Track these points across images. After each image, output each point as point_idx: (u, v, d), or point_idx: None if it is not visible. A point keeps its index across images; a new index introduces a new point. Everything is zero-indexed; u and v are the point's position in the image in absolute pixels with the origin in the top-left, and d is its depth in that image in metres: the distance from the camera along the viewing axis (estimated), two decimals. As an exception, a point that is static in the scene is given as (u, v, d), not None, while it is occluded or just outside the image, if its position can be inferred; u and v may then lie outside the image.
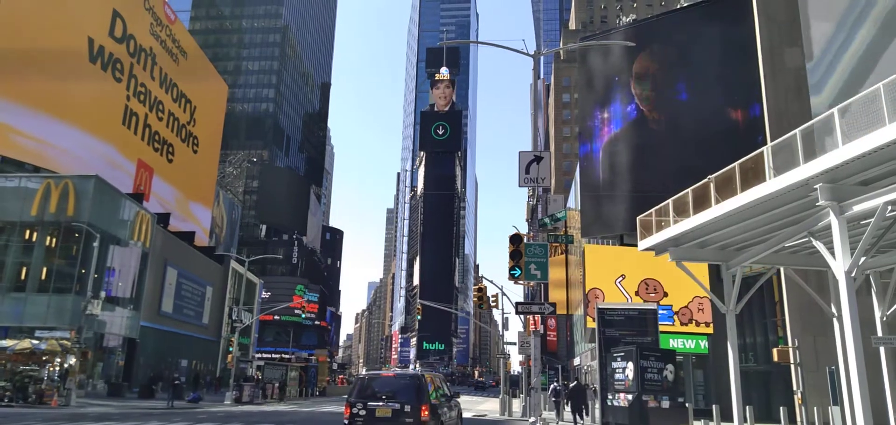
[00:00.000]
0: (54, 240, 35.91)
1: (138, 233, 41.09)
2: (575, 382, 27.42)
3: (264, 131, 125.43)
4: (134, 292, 40.93)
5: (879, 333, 20.06)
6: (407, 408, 13.01)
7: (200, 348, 53.04)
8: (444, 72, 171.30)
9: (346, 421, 13.17)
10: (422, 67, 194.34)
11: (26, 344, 28.78)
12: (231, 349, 41.19)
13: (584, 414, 20.44)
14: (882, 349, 19.73)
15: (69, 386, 28.37)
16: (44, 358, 28.66)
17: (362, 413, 13.19)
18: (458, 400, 17.66)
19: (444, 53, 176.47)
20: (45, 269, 35.50)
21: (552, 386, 25.93)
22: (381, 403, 13.22)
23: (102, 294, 35.91)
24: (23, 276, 35.33)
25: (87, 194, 35.73)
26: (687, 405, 27.27)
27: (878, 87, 12.87)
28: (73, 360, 29.49)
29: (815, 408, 26.93)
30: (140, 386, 36.88)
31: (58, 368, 28.40)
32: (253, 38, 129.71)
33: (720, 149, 38.96)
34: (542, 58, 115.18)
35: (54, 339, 29.62)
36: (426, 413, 13.02)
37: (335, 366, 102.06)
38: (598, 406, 36.79)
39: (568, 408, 22.94)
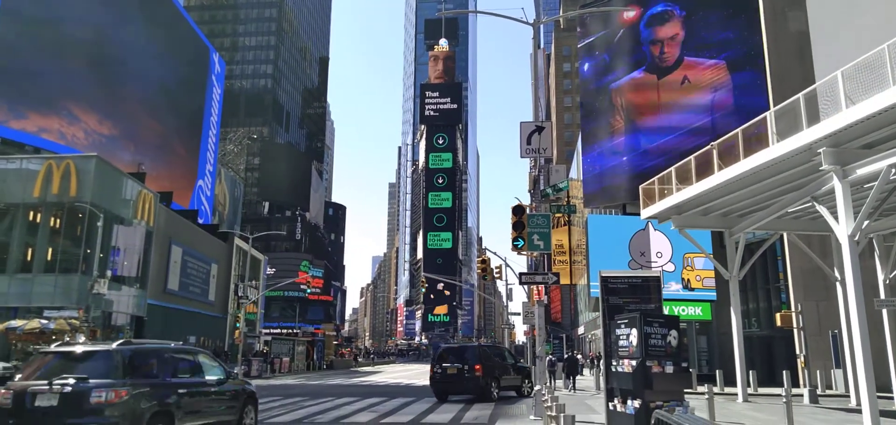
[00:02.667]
0: (58, 220, 36.04)
1: (142, 212, 41.20)
2: (569, 354, 33.89)
3: (264, 108, 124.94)
4: (140, 271, 41.17)
5: (882, 296, 20.17)
6: (466, 367, 19.74)
7: (208, 325, 53.49)
8: (442, 43, 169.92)
9: (431, 378, 20.88)
10: (421, 39, 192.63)
11: (35, 323, 29.01)
12: (238, 325, 41.51)
13: (575, 381, 26.71)
14: (884, 312, 19.87)
15: (79, 364, 28.70)
16: (54, 337, 28.92)
17: (439, 371, 20.41)
18: (527, 367, 23.57)
19: (442, 25, 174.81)
20: (50, 250, 35.67)
21: (548, 358, 26.88)
22: (449, 364, 20.33)
23: (108, 273, 36.10)
24: (29, 257, 35.55)
25: (89, 174, 35.76)
26: (690, 370, 27.57)
27: (883, 48, 12.77)
28: (82, 339, 29.76)
29: (817, 372, 27.21)
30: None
31: (67, 347, 28.70)
32: (249, 13, 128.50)
33: (722, 115, 38.91)
34: (542, 27, 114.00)
35: (63, 318, 29.86)
36: (480, 369, 19.54)
37: (341, 340, 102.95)
38: (590, 372, 37.59)
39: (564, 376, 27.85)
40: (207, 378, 10.99)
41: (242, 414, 11.48)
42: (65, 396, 8.89)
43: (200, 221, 60.84)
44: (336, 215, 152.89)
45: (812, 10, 30.17)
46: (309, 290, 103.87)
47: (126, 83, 56.69)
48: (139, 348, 10.24)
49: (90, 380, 9.06)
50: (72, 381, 9.02)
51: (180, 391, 10.09)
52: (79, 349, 10.04)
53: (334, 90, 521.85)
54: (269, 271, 77.60)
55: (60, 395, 8.88)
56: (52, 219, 36.07)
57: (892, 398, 19.68)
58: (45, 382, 9.01)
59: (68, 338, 28.96)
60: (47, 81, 46.67)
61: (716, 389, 23.72)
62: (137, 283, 40.95)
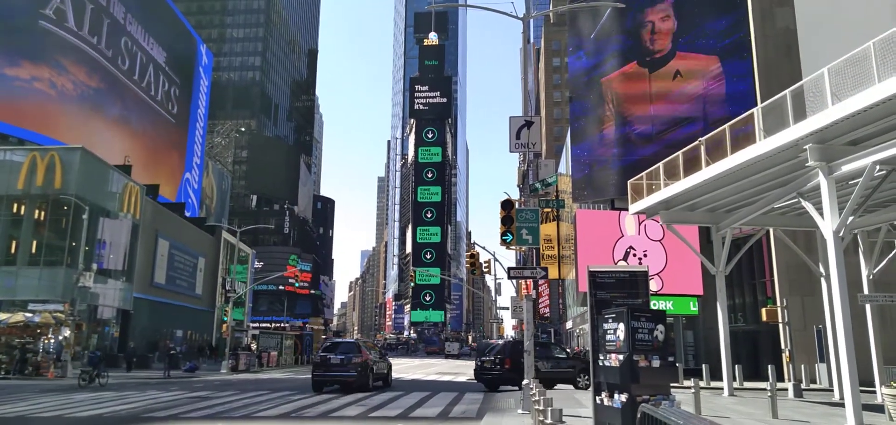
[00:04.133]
0: (43, 213, 35.67)
1: (128, 205, 40.85)
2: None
3: (251, 100, 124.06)
4: (126, 264, 40.84)
5: (866, 291, 20.39)
6: (498, 359, 23.52)
7: (195, 318, 53.20)
8: (432, 36, 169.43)
9: (475, 370, 24.63)
10: (410, 33, 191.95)
11: (20, 317, 28.76)
12: (225, 318, 41.28)
13: None
14: (868, 307, 20.10)
15: (65, 358, 28.44)
16: (38, 331, 28.68)
17: (479, 364, 24.28)
18: (572, 359, 25.19)
19: (432, 18, 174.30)
20: (35, 242, 35.33)
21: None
22: (486, 358, 24.18)
23: (94, 266, 35.80)
24: (13, 250, 35.16)
25: (74, 166, 35.41)
26: (677, 364, 27.77)
27: (869, 45, 12.88)
28: (67, 332, 29.50)
29: (802, 366, 27.53)
30: (136, 356, 36.99)
31: (53, 340, 28.42)
32: (237, 4, 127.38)
33: (712, 110, 39.13)
34: (531, 21, 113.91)
35: (48, 312, 29.60)
36: (509, 363, 22.95)
37: (330, 334, 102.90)
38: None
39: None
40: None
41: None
42: (343, 359, 21.65)
43: (187, 214, 60.45)
44: (325, 209, 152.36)
45: (799, 7, 30.39)
46: (297, 284, 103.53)
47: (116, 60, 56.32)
48: (361, 341, 24.98)
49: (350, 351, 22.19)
50: (344, 351, 22.22)
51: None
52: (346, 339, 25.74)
53: (323, 83, 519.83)
54: (258, 265, 77.21)
55: (341, 357, 21.73)
56: (37, 211, 35.70)
57: (874, 392, 19.94)
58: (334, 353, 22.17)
59: (53, 332, 28.77)
60: (40, 38, 47.79)
61: (702, 383, 23.93)
62: (124, 277, 40.63)
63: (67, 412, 15.12)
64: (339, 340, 25.83)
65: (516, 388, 21.20)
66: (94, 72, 53.01)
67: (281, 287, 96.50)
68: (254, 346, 44.44)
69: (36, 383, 24.78)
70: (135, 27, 59.16)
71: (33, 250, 35.22)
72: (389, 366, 25.56)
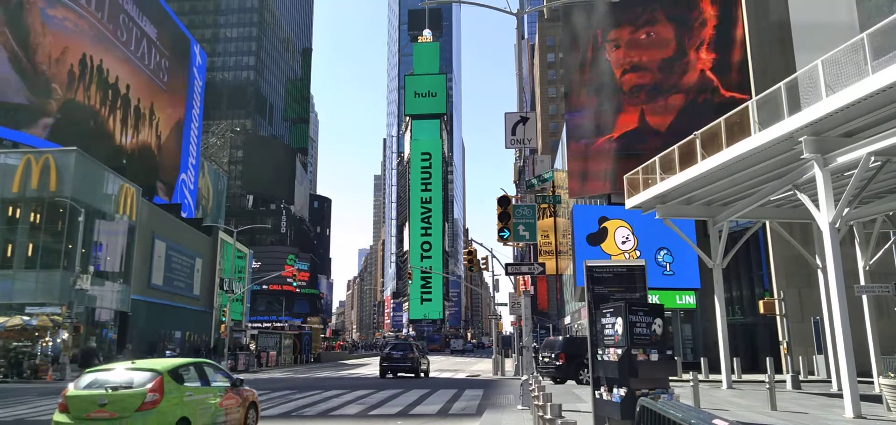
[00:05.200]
0: (38, 216, 35.57)
1: (124, 207, 40.76)
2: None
3: (246, 100, 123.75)
4: (123, 266, 40.76)
5: (862, 282, 20.49)
6: (556, 355, 24.75)
7: (193, 319, 53.12)
8: (426, 34, 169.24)
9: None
10: (404, 30, 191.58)
11: (17, 320, 28.69)
12: (223, 319, 41.25)
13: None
14: (864, 297, 20.19)
15: (63, 360, 28.39)
16: (36, 334, 28.62)
17: (539, 358, 25.96)
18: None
19: (426, 15, 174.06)
20: (31, 246, 35.22)
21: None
22: (545, 354, 25.61)
23: (91, 268, 35.73)
24: (9, 253, 35.05)
25: (69, 168, 35.31)
26: (675, 358, 27.83)
27: (862, 37, 12.92)
28: (65, 335, 29.45)
29: (800, 358, 27.63)
30: (135, 358, 36.91)
31: (51, 343, 28.37)
32: (230, 4, 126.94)
33: (702, 103, 39.20)
34: (525, 17, 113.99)
35: (45, 315, 29.54)
36: (563, 358, 24.47)
37: (330, 333, 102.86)
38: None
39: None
40: None
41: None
42: (401, 354, 29.39)
43: (184, 215, 60.33)
44: (321, 208, 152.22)
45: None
46: (295, 284, 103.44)
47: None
48: (412, 343, 32.13)
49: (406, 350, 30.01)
50: (402, 349, 29.99)
51: None
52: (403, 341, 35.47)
53: (318, 82, 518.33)
54: (255, 265, 77.10)
55: (400, 353, 29.57)
56: (32, 214, 35.59)
57: (872, 382, 20.04)
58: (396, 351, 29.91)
59: (51, 335, 28.73)
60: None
61: (700, 376, 23.99)
62: (121, 278, 40.55)
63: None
64: (398, 342, 34.45)
65: (572, 381, 24.54)
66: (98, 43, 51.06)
67: (280, 287, 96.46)
68: (252, 346, 44.43)
69: (35, 386, 24.73)
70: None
71: (29, 253, 35.12)
72: (429, 362, 32.26)
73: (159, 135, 59.51)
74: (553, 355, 25.13)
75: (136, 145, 54.01)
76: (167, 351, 32.93)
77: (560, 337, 27.06)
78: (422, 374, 29.73)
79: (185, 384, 10.17)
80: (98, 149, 43.45)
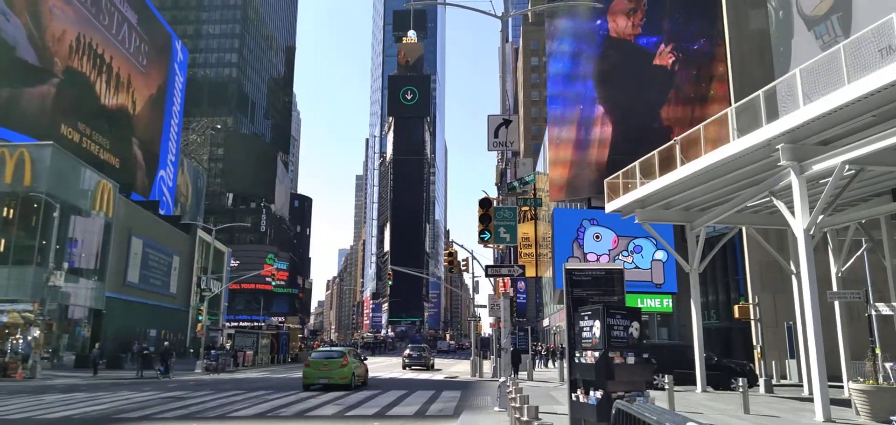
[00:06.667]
0: (12, 210, 34.83)
1: (100, 203, 40.11)
2: (513, 347, 35.22)
3: (228, 97, 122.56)
4: (98, 263, 40.11)
5: (834, 289, 20.83)
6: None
7: (169, 318, 52.44)
8: (411, 35, 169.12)
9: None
10: (389, 30, 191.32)
11: (-13, 317, 28.06)
12: (200, 318, 40.78)
13: (519, 370, 29.01)
14: (837, 303, 20.53)
15: (34, 358, 27.82)
16: (6, 331, 28.02)
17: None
18: (738, 366, 24.31)
19: (411, 16, 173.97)
20: (3, 241, 34.48)
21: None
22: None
23: (65, 265, 35.09)
24: (-20, 248, 34.29)
25: (45, 163, 34.65)
26: (652, 360, 28.09)
27: (839, 47, 13.14)
28: (37, 333, 28.85)
29: (773, 362, 28.03)
30: (103, 358, 36.25)
31: (21, 341, 27.78)
32: (213, 0, 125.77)
33: (682, 112, 39.68)
34: (510, 20, 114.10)
35: (16, 312, 28.93)
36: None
37: (307, 333, 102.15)
38: (553, 364, 38.34)
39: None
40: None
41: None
42: (418, 354, 39.85)
43: (162, 212, 59.55)
44: (302, 207, 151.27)
45: (772, 9, 30.89)
46: (274, 283, 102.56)
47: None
48: (426, 346, 45.21)
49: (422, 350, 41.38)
50: (418, 350, 40.88)
51: None
52: (421, 344, 49.98)
53: (301, 80, 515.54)
54: (234, 263, 76.34)
55: (418, 353, 40.01)
56: (5, 209, 34.86)
57: (841, 387, 20.39)
58: (414, 351, 40.81)
59: (22, 332, 28.13)
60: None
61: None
62: (96, 276, 39.90)
63: (37, 413, 14.80)
64: (417, 344, 46.41)
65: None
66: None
67: (257, 286, 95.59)
68: (229, 345, 43.93)
69: (4, 384, 24.20)
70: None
71: (2, 249, 34.36)
72: (434, 359, 43.75)
73: (135, 103, 61.92)
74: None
75: (116, 106, 58.07)
76: (143, 349, 32.43)
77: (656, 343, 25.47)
78: (431, 368, 39.81)
79: (351, 357, 23.49)
80: (90, 104, 53.04)
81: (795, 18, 26.79)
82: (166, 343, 38.44)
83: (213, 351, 39.03)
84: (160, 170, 67.20)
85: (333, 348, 30.51)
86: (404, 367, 38.95)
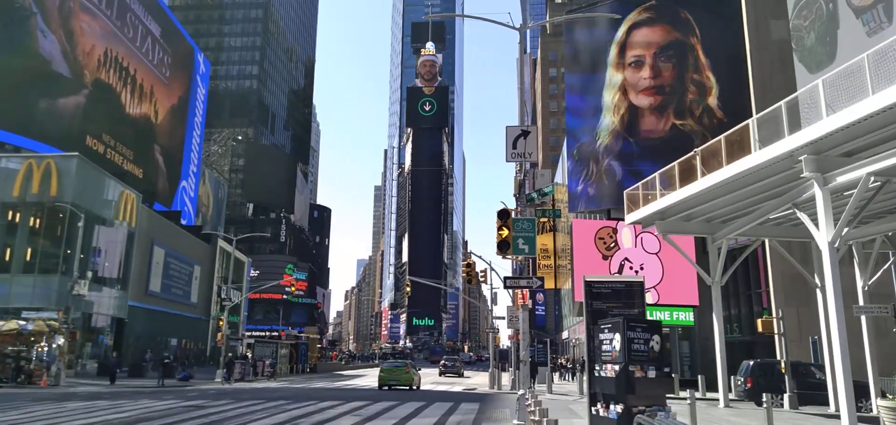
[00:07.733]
0: (38, 220, 35.53)
1: (123, 213, 40.74)
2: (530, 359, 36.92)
3: (249, 109, 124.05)
4: (121, 272, 40.69)
5: (860, 302, 20.43)
6: (744, 379, 23.78)
7: (190, 327, 52.98)
8: (429, 47, 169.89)
9: None
10: (407, 43, 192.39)
11: (13, 324, 28.54)
12: (221, 327, 41.13)
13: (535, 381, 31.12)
14: (863, 318, 20.12)
15: (58, 366, 28.25)
16: (32, 339, 28.48)
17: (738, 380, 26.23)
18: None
19: (429, 28, 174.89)
20: (29, 250, 35.15)
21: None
22: (739, 376, 24.58)
23: (89, 274, 35.62)
24: (7, 257, 34.98)
25: (70, 174, 35.32)
26: (673, 375, 27.72)
27: (863, 57, 12.96)
28: (61, 341, 29.31)
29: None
30: (119, 367, 36.57)
31: (46, 349, 28.24)
32: (234, 13, 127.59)
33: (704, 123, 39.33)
34: (528, 32, 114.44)
35: (41, 320, 29.39)
36: (750, 382, 23.41)
37: (325, 343, 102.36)
38: (572, 379, 37.99)
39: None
40: None
41: None
42: (452, 364, 50.46)
43: (183, 222, 60.29)
44: (321, 217, 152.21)
45: (793, 19, 30.56)
46: (293, 293, 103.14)
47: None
48: (457, 357, 61.48)
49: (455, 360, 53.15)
50: (452, 360, 52.99)
51: None
52: (453, 355, 69.44)
53: (321, 92, 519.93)
54: (253, 273, 76.98)
55: (451, 363, 50.76)
56: (32, 219, 35.56)
57: (870, 403, 19.94)
58: (448, 360, 52.98)
59: (47, 340, 28.58)
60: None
61: (698, 394, 23.89)
62: (119, 285, 40.46)
63: (60, 420, 15.01)
64: (449, 356, 55.03)
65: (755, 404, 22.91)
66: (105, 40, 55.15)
67: (277, 297, 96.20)
68: (249, 355, 44.21)
69: (29, 391, 24.60)
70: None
71: (28, 258, 35.03)
72: (464, 369, 52.27)
73: (158, 113, 62.94)
74: (741, 379, 24.09)
75: (139, 115, 59.48)
76: (164, 358, 32.81)
77: (751, 362, 24.93)
78: (462, 375, 47.73)
79: (412, 366, 33.87)
80: (115, 115, 54.58)
81: (842, 8, 26.58)
82: (186, 351, 38.76)
83: (234, 360, 39.24)
84: (182, 181, 68.10)
85: (398, 360, 49.52)
86: (440, 374, 47.79)
